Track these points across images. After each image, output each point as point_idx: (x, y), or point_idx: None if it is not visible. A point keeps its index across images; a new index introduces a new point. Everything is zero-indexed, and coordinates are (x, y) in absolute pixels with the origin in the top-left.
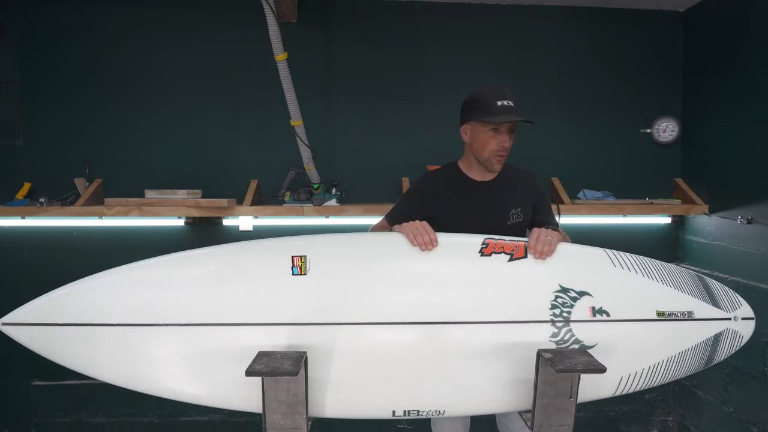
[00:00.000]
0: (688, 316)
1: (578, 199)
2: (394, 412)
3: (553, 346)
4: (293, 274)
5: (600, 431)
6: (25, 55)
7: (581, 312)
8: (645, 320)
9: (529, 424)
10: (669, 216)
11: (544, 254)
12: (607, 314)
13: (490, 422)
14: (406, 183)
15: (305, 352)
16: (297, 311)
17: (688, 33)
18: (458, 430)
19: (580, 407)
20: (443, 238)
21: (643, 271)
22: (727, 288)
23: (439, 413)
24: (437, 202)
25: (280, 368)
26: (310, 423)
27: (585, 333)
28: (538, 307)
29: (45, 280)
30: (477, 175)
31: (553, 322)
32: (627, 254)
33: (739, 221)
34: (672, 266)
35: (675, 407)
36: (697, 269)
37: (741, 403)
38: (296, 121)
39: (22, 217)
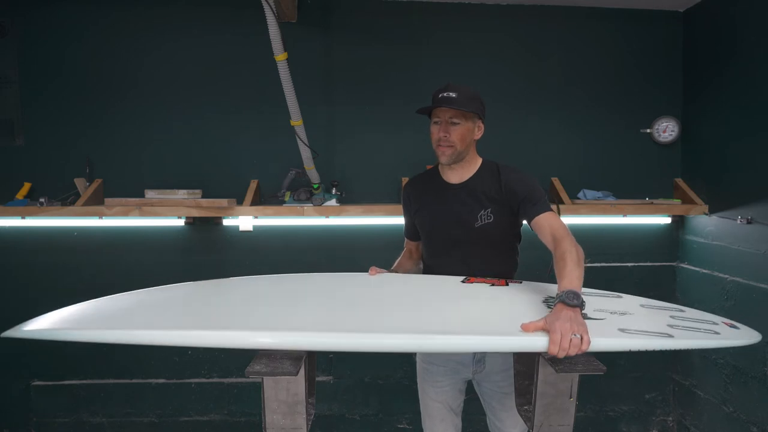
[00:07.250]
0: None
1: (578, 199)
2: None
3: None
4: None
5: (600, 431)
6: (25, 55)
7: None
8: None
9: (528, 423)
10: (669, 216)
11: (565, 352)
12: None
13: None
14: (405, 183)
15: (305, 352)
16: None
17: (688, 33)
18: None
19: (580, 407)
20: (423, 280)
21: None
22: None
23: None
24: (416, 207)
25: (280, 368)
26: (310, 423)
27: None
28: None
29: (45, 281)
30: (452, 176)
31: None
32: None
33: (739, 221)
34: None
35: (675, 407)
36: (697, 269)
37: (741, 403)
38: (296, 121)
39: (22, 217)
